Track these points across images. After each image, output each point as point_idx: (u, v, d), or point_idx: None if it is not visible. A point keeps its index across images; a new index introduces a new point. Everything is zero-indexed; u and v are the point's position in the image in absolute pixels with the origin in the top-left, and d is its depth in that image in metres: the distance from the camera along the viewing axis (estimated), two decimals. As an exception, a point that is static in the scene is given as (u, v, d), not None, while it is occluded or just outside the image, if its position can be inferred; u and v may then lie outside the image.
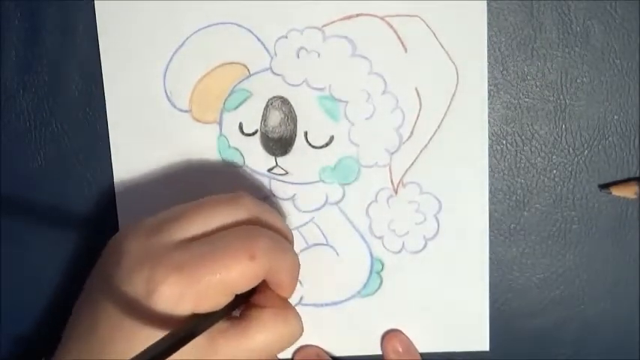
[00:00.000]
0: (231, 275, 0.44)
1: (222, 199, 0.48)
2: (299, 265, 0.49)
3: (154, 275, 0.44)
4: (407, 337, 0.56)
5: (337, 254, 0.55)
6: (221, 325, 0.46)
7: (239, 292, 0.46)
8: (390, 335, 0.56)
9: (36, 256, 0.56)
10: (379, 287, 0.56)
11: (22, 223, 0.56)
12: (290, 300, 0.50)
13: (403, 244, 0.55)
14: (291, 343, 0.49)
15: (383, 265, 0.55)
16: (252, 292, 0.48)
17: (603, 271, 0.56)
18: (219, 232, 0.46)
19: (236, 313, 0.48)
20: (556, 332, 0.56)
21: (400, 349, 0.55)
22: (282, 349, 0.48)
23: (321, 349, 0.56)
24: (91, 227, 0.56)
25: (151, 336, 0.42)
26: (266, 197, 0.55)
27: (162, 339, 0.41)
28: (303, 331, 0.49)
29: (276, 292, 0.49)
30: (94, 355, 0.45)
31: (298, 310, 0.55)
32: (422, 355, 0.56)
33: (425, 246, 0.55)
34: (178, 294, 0.43)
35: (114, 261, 0.47)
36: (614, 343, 0.56)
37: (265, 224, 0.48)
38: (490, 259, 0.55)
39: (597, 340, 0.56)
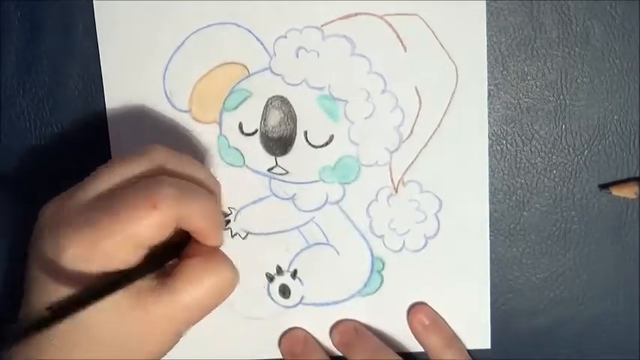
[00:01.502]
0: (134, 228, 0.43)
1: (127, 154, 0.47)
2: (218, 210, 0.49)
3: (59, 238, 0.44)
4: (433, 309, 0.56)
5: (338, 253, 0.55)
6: (149, 282, 0.45)
7: (151, 245, 0.45)
8: (415, 309, 0.56)
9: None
10: (380, 286, 0.56)
11: (22, 224, 0.56)
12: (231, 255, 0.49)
13: (404, 242, 0.55)
14: (227, 293, 0.47)
15: (384, 264, 0.55)
16: (183, 247, 0.48)
17: (603, 271, 0.56)
18: (125, 187, 0.45)
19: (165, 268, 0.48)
20: (556, 332, 0.56)
21: (427, 322, 0.55)
22: (219, 300, 0.47)
23: (309, 333, 0.56)
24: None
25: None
26: (266, 197, 0.55)
27: (67, 297, 0.41)
28: (237, 278, 0.48)
29: (203, 243, 0.48)
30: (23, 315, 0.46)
31: (299, 310, 0.55)
32: (422, 353, 0.56)
33: (425, 245, 0.55)
34: (84, 254, 0.43)
35: (35, 230, 0.47)
36: (614, 343, 0.56)
37: (177, 174, 0.47)
38: (490, 259, 0.55)
39: (597, 340, 0.56)
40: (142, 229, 0.43)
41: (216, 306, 0.47)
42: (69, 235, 0.43)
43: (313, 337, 0.57)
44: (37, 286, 0.45)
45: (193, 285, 0.45)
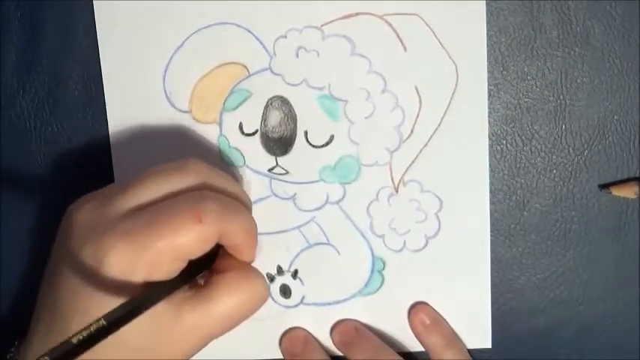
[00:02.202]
0: (179, 240, 0.44)
1: (170, 166, 0.48)
2: (255, 227, 0.49)
3: (101, 245, 0.44)
4: (433, 308, 0.56)
5: (338, 253, 0.55)
6: (185, 293, 0.46)
7: (192, 258, 0.45)
8: (416, 308, 0.56)
9: (35, 256, 0.56)
10: (381, 286, 0.56)
11: (22, 224, 0.56)
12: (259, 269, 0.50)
13: (404, 242, 0.55)
14: (259, 306, 0.49)
15: (384, 263, 0.55)
16: (213, 259, 0.49)
17: (603, 271, 0.56)
18: (167, 199, 0.46)
19: (200, 281, 0.48)
20: (556, 332, 0.56)
21: (427, 321, 0.55)
22: (250, 313, 0.48)
23: (309, 333, 0.56)
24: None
25: (107, 307, 0.42)
26: (267, 197, 0.55)
27: (116, 308, 0.41)
28: (268, 291, 0.50)
29: (237, 257, 0.49)
30: (57, 329, 0.45)
31: (300, 310, 0.55)
32: (423, 354, 0.56)
33: (426, 244, 0.55)
34: (128, 262, 0.43)
35: (67, 234, 0.46)
36: (614, 343, 0.56)
37: (216, 189, 0.48)
38: (490, 259, 0.55)
39: (597, 340, 0.56)
40: (186, 242, 0.44)
41: (247, 318, 0.48)
42: (111, 243, 0.43)
43: (313, 336, 0.57)
44: (70, 292, 0.45)
45: (229, 296, 0.47)
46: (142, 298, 0.42)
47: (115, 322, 0.40)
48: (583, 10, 0.53)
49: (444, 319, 0.56)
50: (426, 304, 0.56)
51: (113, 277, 0.43)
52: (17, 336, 0.51)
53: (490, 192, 0.55)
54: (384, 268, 0.55)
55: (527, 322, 0.56)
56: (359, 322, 0.56)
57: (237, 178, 0.55)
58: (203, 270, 0.48)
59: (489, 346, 0.56)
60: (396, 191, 0.54)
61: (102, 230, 0.44)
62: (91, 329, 0.40)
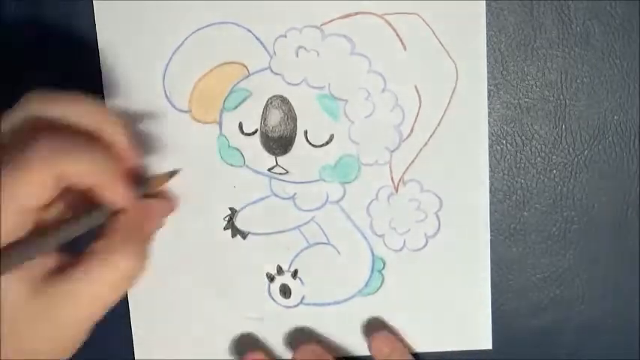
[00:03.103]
0: (8, 191, 0.41)
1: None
2: (108, 163, 0.45)
3: None
4: (391, 335, 0.55)
5: (338, 253, 0.55)
6: (46, 268, 0.44)
7: (35, 208, 0.42)
8: (375, 337, 0.55)
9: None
10: (381, 285, 0.56)
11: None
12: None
13: (404, 242, 0.55)
14: (128, 286, 0.44)
15: (384, 263, 0.55)
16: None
17: (603, 271, 0.56)
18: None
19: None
20: (556, 332, 0.56)
21: (386, 350, 0.55)
22: (119, 295, 0.44)
23: (321, 347, 0.56)
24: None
25: None
26: (266, 197, 0.55)
27: None
28: (141, 267, 0.45)
29: (107, 200, 0.45)
30: None
31: (300, 310, 0.55)
32: (424, 354, 0.56)
33: (426, 244, 0.55)
34: None
35: None
36: (614, 343, 0.56)
37: (57, 124, 0.44)
38: (490, 259, 0.55)
39: (597, 340, 0.56)
40: (16, 190, 0.41)
41: (119, 296, 0.44)
42: None
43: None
44: None
45: (88, 277, 0.43)
46: None
47: None
48: (583, 10, 0.53)
49: (403, 347, 0.55)
50: (385, 330, 0.55)
51: None
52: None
53: (490, 192, 0.55)
54: (383, 268, 0.55)
55: (527, 322, 0.56)
56: (320, 347, 0.55)
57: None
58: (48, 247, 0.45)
59: (490, 346, 0.56)
60: (396, 191, 0.54)
61: None
62: None
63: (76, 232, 0.45)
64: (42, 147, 0.42)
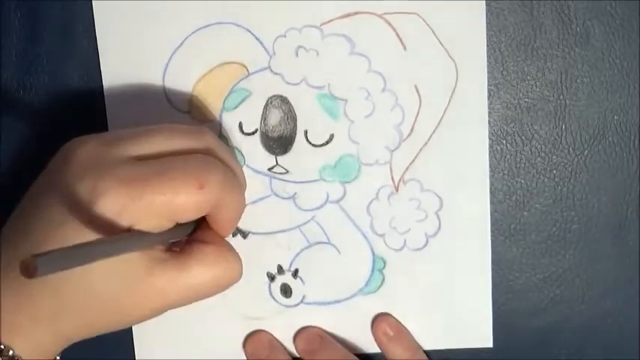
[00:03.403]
0: (177, 199, 0.43)
1: (182, 126, 0.48)
2: (244, 206, 0.49)
3: (97, 185, 0.43)
4: (396, 320, 0.56)
5: (339, 252, 0.55)
6: (161, 254, 0.46)
7: (181, 221, 0.45)
8: (379, 319, 0.56)
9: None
10: (381, 285, 0.56)
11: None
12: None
13: (405, 241, 0.55)
14: (228, 285, 0.48)
15: (385, 262, 0.55)
16: (195, 228, 0.48)
17: (603, 271, 0.56)
18: (174, 156, 0.46)
19: (177, 248, 0.48)
20: (556, 332, 0.56)
21: (391, 333, 0.55)
22: (219, 290, 0.47)
23: (323, 330, 0.56)
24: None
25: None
26: (267, 197, 0.55)
27: (93, 241, 0.41)
28: (241, 273, 0.48)
29: (217, 232, 0.49)
30: (26, 250, 0.44)
31: (301, 309, 0.55)
32: (425, 352, 0.56)
33: (426, 243, 0.55)
34: (119, 206, 0.43)
35: (62, 167, 0.46)
36: (614, 343, 0.56)
37: (220, 160, 0.47)
38: (490, 259, 0.55)
39: (597, 340, 0.56)
40: (183, 203, 0.44)
41: (213, 295, 0.48)
42: (110, 184, 0.43)
43: (278, 340, 0.57)
44: (53, 220, 0.44)
45: (202, 270, 0.46)
46: (118, 239, 0.42)
47: (87, 252, 0.39)
48: (583, 10, 0.53)
49: (407, 331, 0.56)
50: (389, 314, 0.56)
51: (101, 217, 0.43)
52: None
53: (490, 192, 0.55)
54: (384, 267, 0.55)
55: (528, 322, 0.56)
56: (323, 329, 0.56)
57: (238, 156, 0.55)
58: (183, 235, 0.48)
59: (490, 345, 0.56)
60: (396, 190, 0.54)
61: (103, 169, 0.44)
62: (62, 251, 0.38)
63: (183, 236, 0.48)
64: (218, 175, 0.45)
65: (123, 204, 0.43)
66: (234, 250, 0.49)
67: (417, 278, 0.55)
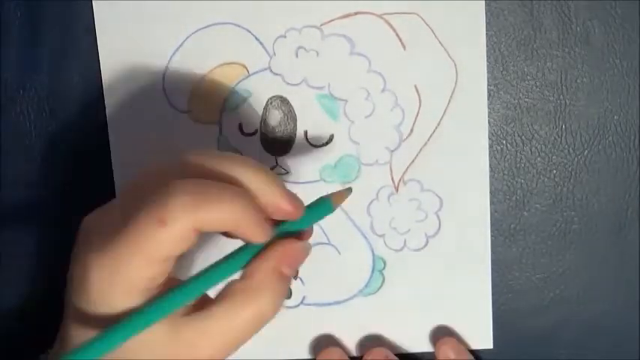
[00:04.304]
0: (146, 247, 0.40)
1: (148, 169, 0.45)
2: (249, 207, 0.42)
3: (86, 261, 0.41)
4: (458, 342, 0.55)
5: (339, 253, 0.55)
6: (184, 311, 0.43)
7: (175, 257, 0.41)
8: (441, 341, 0.55)
9: (35, 256, 0.56)
10: (381, 285, 0.56)
11: (22, 224, 0.56)
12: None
13: (405, 241, 0.55)
14: (263, 324, 0.43)
15: (385, 263, 0.55)
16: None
17: (603, 271, 0.56)
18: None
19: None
20: (556, 332, 0.56)
21: (452, 356, 0.55)
22: (255, 331, 0.43)
23: (344, 351, 0.56)
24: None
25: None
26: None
27: (93, 338, 0.40)
28: (277, 307, 0.44)
29: (249, 240, 0.44)
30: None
31: (301, 310, 0.55)
32: (425, 353, 0.56)
33: (427, 243, 0.55)
34: (107, 279, 0.41)
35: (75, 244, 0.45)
36: (614, 343, 0.56)
37: (202, 174, 0.43)
38: (490, 259, 0.55)
39: (597, 340, 0.56)
40: (155, 246, 0.40)
41: (253, 334, 0.44)
42: (92, 258, 0.41)
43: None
44: (69, 311, 0.44)
45: (227, 316, 0.42)
46: (118, 326, 0.40)
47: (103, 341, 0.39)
48: (583, 10, 0.53)
49: (469, 354, 0.56)
50: (453, 338, 0.56)
51: (97, 292, 0.41)
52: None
53: (490, 192, 0.55)
54: (384, 268, 0.55)
55: (528, 322, 0.56)
56: (389, 352, 0.56)
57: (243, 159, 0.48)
58: (208, 287, 0.43)
59: (491, 346, 0.56)
60: (396, 190, 0.54)
61: (91, 244, 0.42)
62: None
63: (220, 279, 0.44)
64: (178, 200, 0.40)
65: (108, 276, 0.41)
66: (269, 283, 0.44)
67: (417, 279, 0.55)
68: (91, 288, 0.41)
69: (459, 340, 0.56)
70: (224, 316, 0.42)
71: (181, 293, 0.41)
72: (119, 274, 0.40)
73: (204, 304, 0.43)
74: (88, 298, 0.41)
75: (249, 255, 0.44)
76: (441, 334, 0.56)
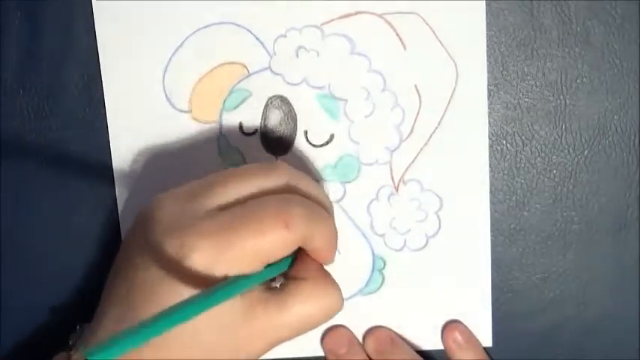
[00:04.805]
0: (264, 243, 0.43)
1: (257, 166, 0.48)
2: (336, 232, 0.49)
3: (184, 243, 0.43)
4: (467, 327, 0.56)
5: (339, 252, 0.55)
6: (261, 294, 0.45)
7: (272, 261, 0.45)
8: (450, 326, 0.56)
9: (36, 252, 0.56)
10: (381, 285, 0.56)
11: (22, 224, 0.56)
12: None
13: (405, 241, 0.55)
14: (330, 317, 0.48)
15: (385, 263, 0.55)
16: (292, 262, 0.48)
17: (603, 271, 0.56)
18: (253, 199, 0.46)
19: (277, 284, 0.48)
20: (556, 332, 0.56)
21: (461, 339, 0.56)
22: (321, 322, 0.47)
23: (352, 332, 0.57)
24: (92, 225, 0.56)
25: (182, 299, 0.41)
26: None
27: (189, 298, 0.41)
28: (342, 303, 0.48)
29: (316, 261, 0.49)
30: (129, 320, 0.44)
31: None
32: (425, 352, 0.56)
33: (426, 244, 0.55)
34: (210, 260, 0.43)
35: (146, 229, 0.46)
36: (614, 343, 0.56)
37: (302, 193, 0.47)
38: (490, 259, 0.55)
39: (597, 340, 0.56)
40: (270, 245, 0.44)
41: (317, 326, 0.47)
42: (195, 240, 0.43)
43: (357, 338, 0.57)
44: (146, 284, 0.45)
45: (302, 305, 0.46)
46: (215, 290, 0.42)
47: (185, 310, 0.40)
48: (583, 10, 0.53)
49: (478, 340, 0.56)
50: (460, 322, 0.56)
51: (194, 272, 0.43)
52: (77, 321, 0.51)
53: (490, 192, 0.55)
54: (384, 268, 0.55)
55: (527, 322, 0.56)
56: (393, 331, 0.56)
57: (319, 181, 0.55)
58: (280, 272, 0.47)
59: (490, 344, 0.56)
60: (397, 190, 0.54)
61: (186, 227, 0.44)
62: (161, 315, 0.39)
63: (280, 272, 0.48)
64: (300, 211, 0.45)
65: (212, 258, 0.43)
66: (333, 281, 0.48)
67: (417, 278, 0.55)
68: (189, 266, 0.43)
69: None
70: (297, 309, 0.46)
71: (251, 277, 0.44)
72: (221, 260, 0.43)
73: (275, 294, 0.47)
74: (179, 275, 0.43)
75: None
76: (440, 334, 0.56)
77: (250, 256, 0.44)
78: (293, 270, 0.48)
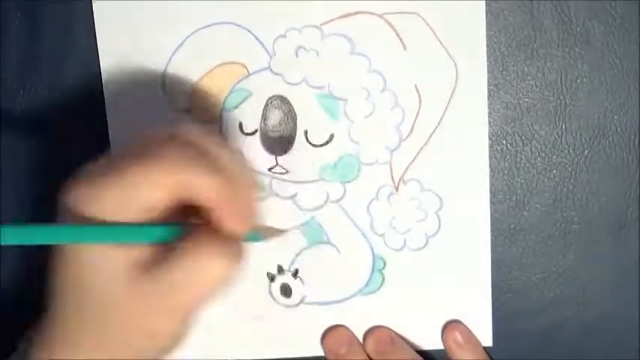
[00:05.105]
0: (132, 181, 0.41)
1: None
2: (233, 190, 0.43)
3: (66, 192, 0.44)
4: (467, 327, 0.56)
5: (339, 252, 0.55)
6: (151, 253, 0.43)
7: (155, 208, 0.42)
8: (450, 326, 0.56)
9: (33, 254, 0.56)
10: (381, 285, 0.56)
11: (23, 224, 0.56)
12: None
13: (405, 241, 0.55)
14: (220, 283, 0.43)
15: (385, 262, 0.55)
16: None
17: (603, 271, 0.56)
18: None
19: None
20: (556, 332, 0.56)
21: (461, 339, 0.56)
22: (203, 293, 0.43)
23: (352, 332, 0.57)
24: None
25: None
26: (267, 197, 0.55)
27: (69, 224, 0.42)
28: (224, 272, 0.43)
29: (222, 223, 0.43)
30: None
31: (301, 309, 0.55)
32: (425, 352, 0.56)
33: (426, 243, 0.55)
34: (88, 200, 0.43)
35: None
36: (614, 343, 0.56)
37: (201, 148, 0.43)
38: (490, 259, 0.55)
39: (597, 340, 0.56)
40: (137, 190, 0.41)
41: (212, 293, 0.43)
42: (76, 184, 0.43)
43: (357, 338, 0.57)
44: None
45: (185, 269, 0.42)
46: (91, 226, 0.42)
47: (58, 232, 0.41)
48: (583, 10, 0.53)
49: (477, 339, 0.56)
50: (460, 322, 0.56)
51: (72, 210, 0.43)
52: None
53: (490, 192, 0.55)
54: (384, 267, 0.55)
55: (527, 322, 0.56)
56: (393, 331, 0.57)
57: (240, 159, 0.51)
58: (166, 238, 0.44)
59: (490, 344, 0.56)
60: (396, 190, 0.54)
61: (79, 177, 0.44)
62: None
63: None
64: (175, 151, 0.42)
65: (90, 195, 0.42)
66: (220, 249, 0.43)
67: (417, 278, 0.55)
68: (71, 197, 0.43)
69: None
70: (178, 266, 0.42)
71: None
72: (100, 205, 0.42)
73: (161, 258, 0.43)
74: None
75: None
76: (440, 334, 0.56)
77: (129, 203, 0.42)
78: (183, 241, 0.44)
